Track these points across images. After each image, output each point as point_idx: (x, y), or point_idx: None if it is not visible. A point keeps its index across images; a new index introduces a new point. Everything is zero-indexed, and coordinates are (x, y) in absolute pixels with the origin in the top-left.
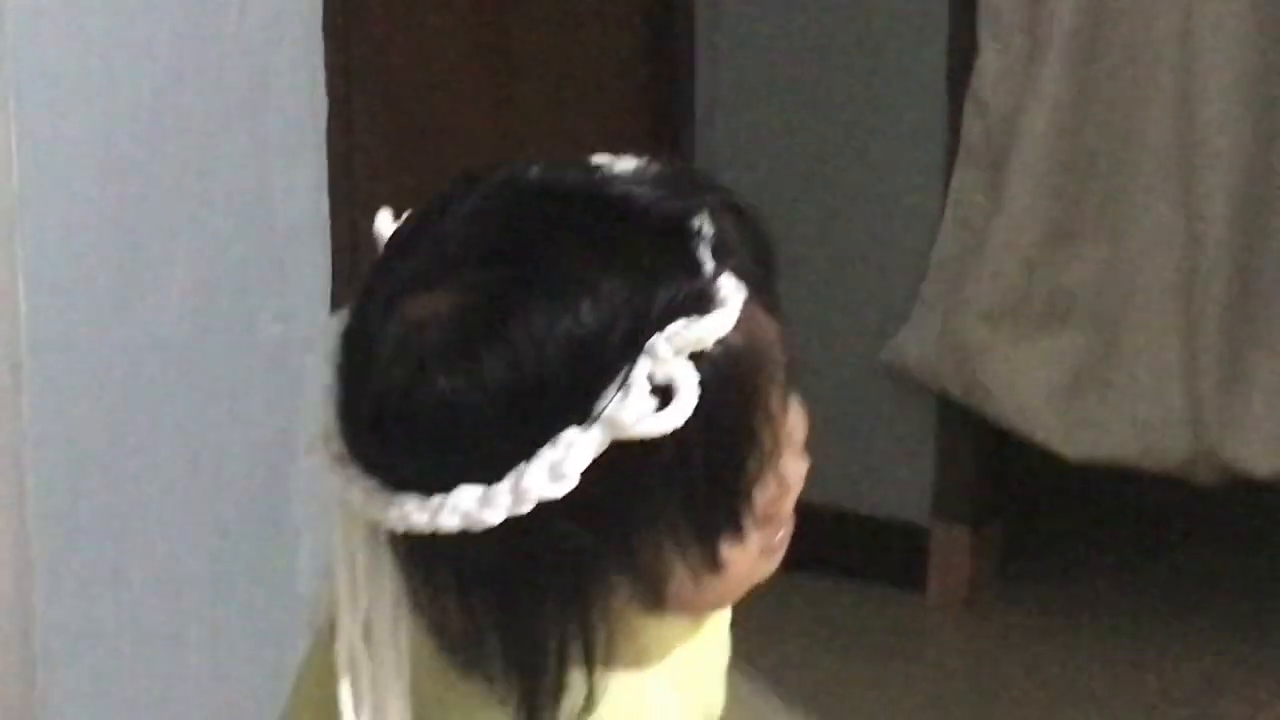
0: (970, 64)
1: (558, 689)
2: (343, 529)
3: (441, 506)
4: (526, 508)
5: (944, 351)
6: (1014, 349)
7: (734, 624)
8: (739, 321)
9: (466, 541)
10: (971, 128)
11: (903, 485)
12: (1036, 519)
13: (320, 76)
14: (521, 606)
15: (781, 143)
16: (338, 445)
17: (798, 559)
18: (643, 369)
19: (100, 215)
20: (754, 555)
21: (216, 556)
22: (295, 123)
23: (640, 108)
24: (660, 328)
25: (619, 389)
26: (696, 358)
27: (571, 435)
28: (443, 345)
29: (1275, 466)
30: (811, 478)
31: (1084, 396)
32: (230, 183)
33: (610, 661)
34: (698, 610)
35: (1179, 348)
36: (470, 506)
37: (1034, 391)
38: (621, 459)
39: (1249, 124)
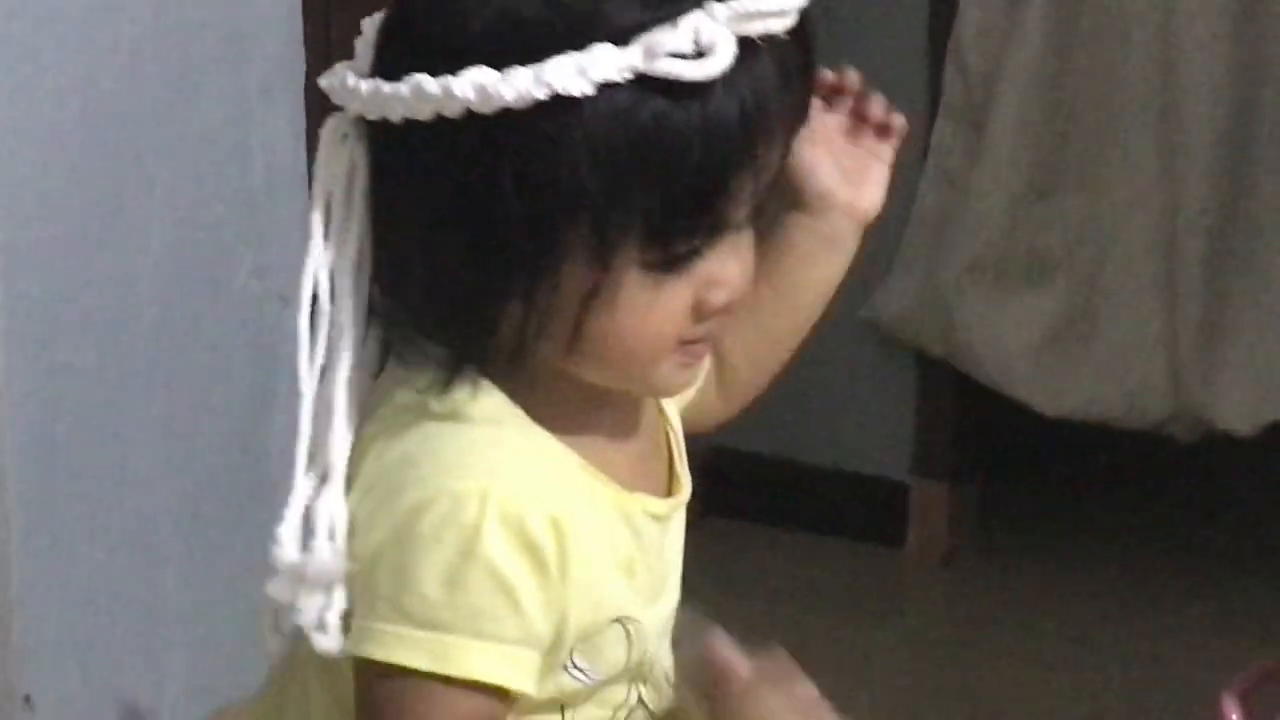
0: (950, 19)
1: (483, 350)
2: (323, 172)
3: (457, 81)
4: (541, 91)
5: (923, 307)
6: (993, 305)
7: (712, 577)
8: (770, 74)
9: (454, 161)
10: (952, 83)
11: (882, 441)
12: (1016, 476)
13: (299, 26)
14: (483, 251)
15: None
16: (366, 61)
17: (777, 514)
18: (694, 20)
19: (75, 169)
20: (663, 322)
21: (194, 511)
22: (273, 73)
23: None
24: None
25: (668, 25)
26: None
27: (605, 48)
28: None
29: (1255, 423)
30: (791, 434)
31: (1063, 353)
32: (207, 134)
33: (527, 390)
34: (603, 368)
35: (1159, 304)
36: (488, 79)
37: (1013, 348)
38: (621, 125)
39: (1229, 81)
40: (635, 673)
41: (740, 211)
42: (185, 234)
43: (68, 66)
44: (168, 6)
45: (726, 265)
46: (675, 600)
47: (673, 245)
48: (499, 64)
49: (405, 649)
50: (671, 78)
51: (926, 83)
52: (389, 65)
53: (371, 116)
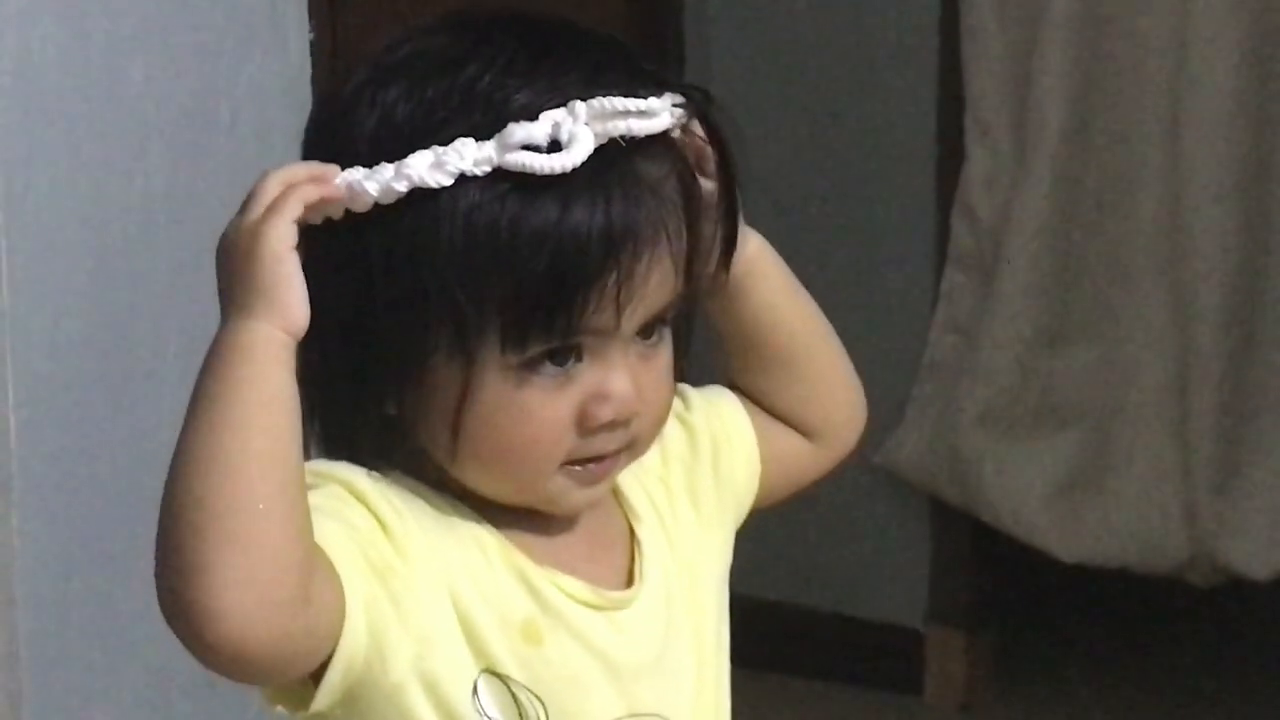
0: (958, 168)
1: (378, 450)
2: None
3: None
4: (402, 185)
5: (937, 454)
6: (1007, 451)
7: None
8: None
9: (337, 262)
10: (960, 231)
11: (897, 589)
12: (1032, 623)
13: None
14: (361, 350)
15: (775, 242)
16: None
17: (792, 662)
18: (554, 115)
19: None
20: (540, 431)
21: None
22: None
23: None
24: (587, 95)
25: (525, 119)
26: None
27: (466, 142)
28: (392, 63)
29: (1272, 567)
30: (805, 580)
31: (1078, 499)
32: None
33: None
34: (489, 477)
35: (1173, 449)
36: (356, 176)
37: (1027, 494)
38: (489, 210)
39: (1239, 226)
40: None
41: (608, 321)
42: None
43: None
44: None
45: (611, 377)
46: (647, 711)
47: (527, 347)
48: (372, 164)
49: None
50: (525, 171)
51: (934, 231)
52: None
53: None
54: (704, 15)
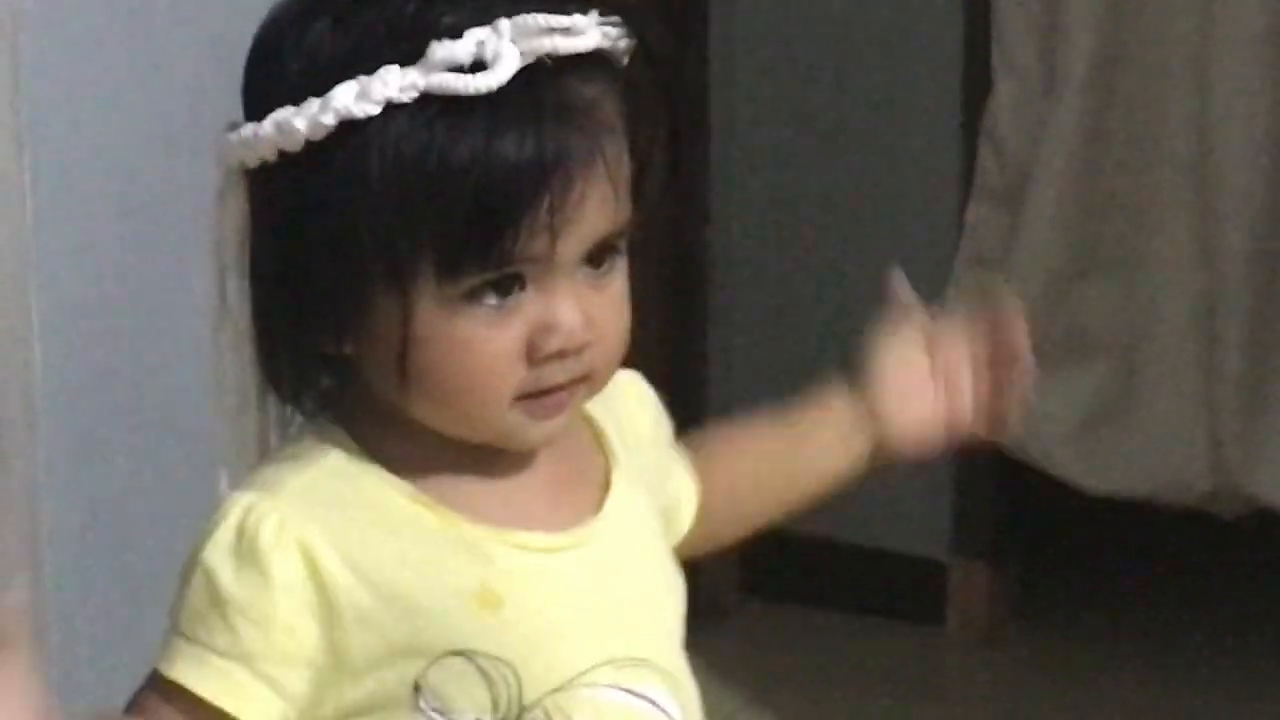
0: (984, 98)
1: (316, 394)
2: (216, 228)
3: (263, 125)
4: (329, 118)
5: None
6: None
7: (750, 659)
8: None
9: (274, 204)
10: (986, 162)
11: (920, 521)
12: (1057, 555)
13: None
14: (299, 289)
15: (793, 173)
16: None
17: (814, 594)
18: (478, 34)
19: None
20: (487, 362)
21: None
22: None
23: None
24: (511, 13)
25: (449, 38)
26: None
27: (391, 70)
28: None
29: None
30: (827, 513)
31: (1103, 430)
32: None
33: (356, 422)
34: (441, 412)
35: (1199, 380)
36: (284, 116)
37: (1053, 426)
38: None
39: (1268, 156)
40: (520, 714)
41: (542, 248)
42: None
43: None
44: None
45: (557, 307)
46: (626, 651)
47: (461, 278)
48: (299, 100)
49: (167, 651)
50: (448, 93)
51: (960, 163)
52: (247, 112)
53: (227, 164)
54: None
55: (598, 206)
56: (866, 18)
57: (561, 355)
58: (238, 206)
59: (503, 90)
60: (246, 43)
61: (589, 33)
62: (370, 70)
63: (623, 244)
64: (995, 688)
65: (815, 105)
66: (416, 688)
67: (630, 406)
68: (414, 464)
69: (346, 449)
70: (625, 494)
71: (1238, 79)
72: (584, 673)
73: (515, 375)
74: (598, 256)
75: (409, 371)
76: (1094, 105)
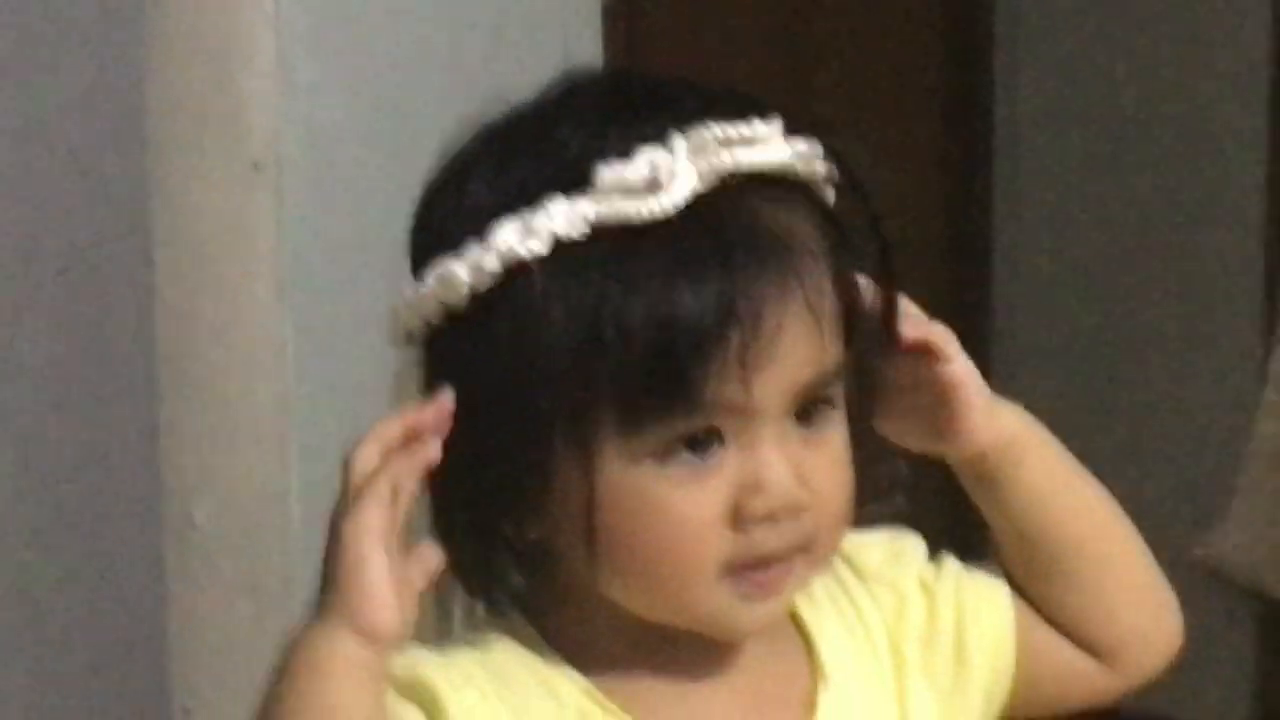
0: None
1: (492, 575)
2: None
3: (425, 281)
4: (491, 262)
5: (1266, 548)
6: None
7: None
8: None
9: (444, 366)
10: None
11: (1222, 696)
12: None
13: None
14: (475, 457)
15: (1084, 309)
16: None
17: None
18: (651, 154)
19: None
20: (687, 529)
21: None
22: None
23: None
24: (684, 127)
25: (619, 159)
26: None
27: (556, 200)
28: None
29: None
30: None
31: None
32: None
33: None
34: (635, 587)
35: None
36: (444, 264)
37: None
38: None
39: None
40: None
41: (735, 393)
42: None
43: None
44: None
45: (764, 464)
46: None
47: (646, 432)
48: (459, 248)
49: None
50: (620, 221)
51: (1261, 304)
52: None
53: (394, 336)
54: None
55: (798, 347)
56: (1163, 98)
57: (773, 518)
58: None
59: (682, 217)
60: None
61: (773, 143)
62: (534, 204)
63: (836, 395)
64: None
65: (1109, 231)
66: None
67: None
68: (598, 656)
69: (525, 638)
70: (846, 710)
71: None
72: None
73: (721, 541)
74: (807, 409)
75: (598, 542)
76: None
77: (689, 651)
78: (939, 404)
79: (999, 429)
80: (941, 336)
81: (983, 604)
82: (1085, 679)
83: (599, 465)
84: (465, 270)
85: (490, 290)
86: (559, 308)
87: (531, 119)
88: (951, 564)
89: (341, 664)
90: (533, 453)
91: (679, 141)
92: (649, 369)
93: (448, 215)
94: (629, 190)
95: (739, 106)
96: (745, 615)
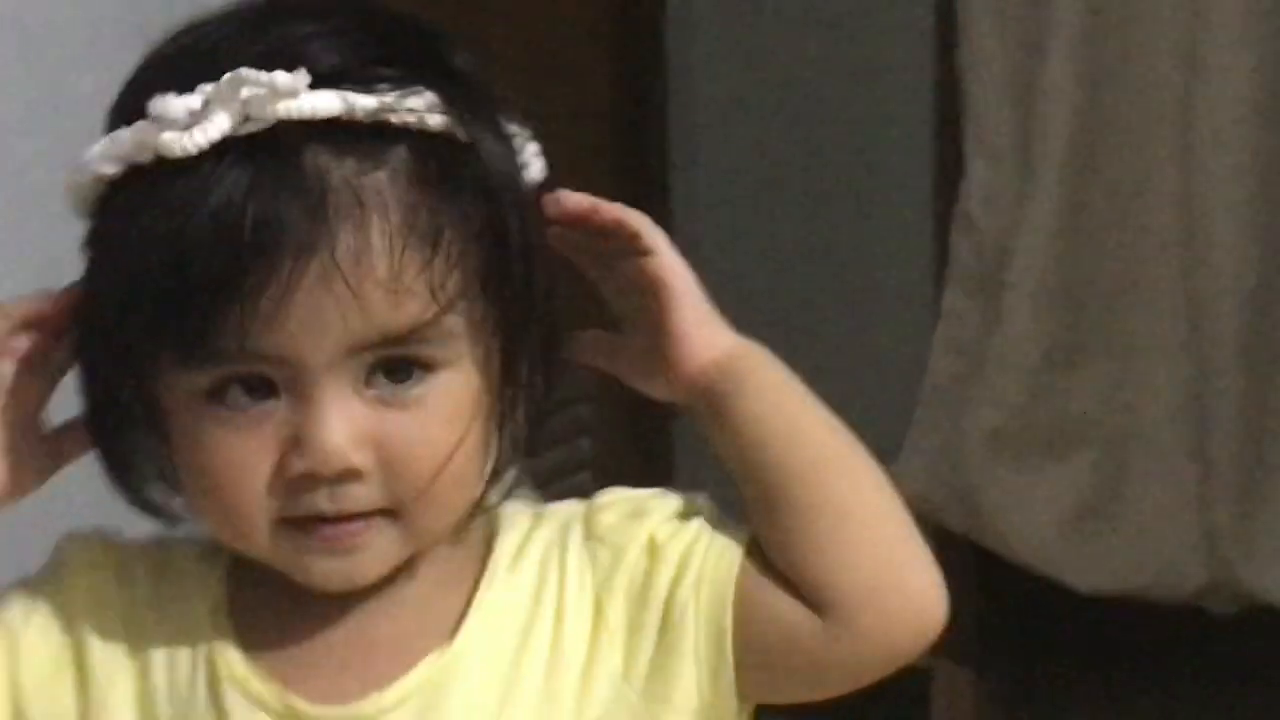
0: (957, 182)
1: (124, 463)
2: None
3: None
4: (81, 177)
5: (941, 483)
6: (1016, 478)
7: None
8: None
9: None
10: (960, 246)
11: None
12: (1044, 657)
13: None
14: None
15: (760, 258)
16: None
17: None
18: (207, 90)
19: None
20: (236, 474)
21: None
22: None
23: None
24: (249, 65)
25: (175, 93)
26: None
27: (126, 128)
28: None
29: None
30: None
31: (1091, 526)
32: None
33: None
34: (211, 524)
35: (1191, 471)
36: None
37: (1039, 522)
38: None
39: (1255, 237)
40: None
41: (252, 343)
42: None
43: None
44: None
45: (310, 421)
46: None
47: (183, 369)
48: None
49: None
50: (160, 152)
51: (933, 246)
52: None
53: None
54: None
55: (334, 304)
56: (835, 98)
57: (315, 479)
58: None
59: (224, 157)
60: None
61: (319, 97)
62: (127, 124)
63: (438, 356)
64: None
65: (783, 188)
66: None
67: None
68: (248, 582)
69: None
70: (443, 684)
71: (1224, 156)
72: None
73: (269, 494)
74: (394, 370)
75: (176, 474)
76: (1073, 186)
77: (331, 604)
78: (653, 325)
79: (716, 343)
80: (641, 222)
81: (709, 563)
82: (811, 639)
83: (159, 395)
84: (71, 178)
85: (93, 202)
86: (118, 235)
87: (189, 30)
88: (696, 523)
89: None
90: (112, 376)
91: (226, 80)
92: (162, 311)
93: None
94: (169, 124)
95: (371, 56)
96: (316, 565)
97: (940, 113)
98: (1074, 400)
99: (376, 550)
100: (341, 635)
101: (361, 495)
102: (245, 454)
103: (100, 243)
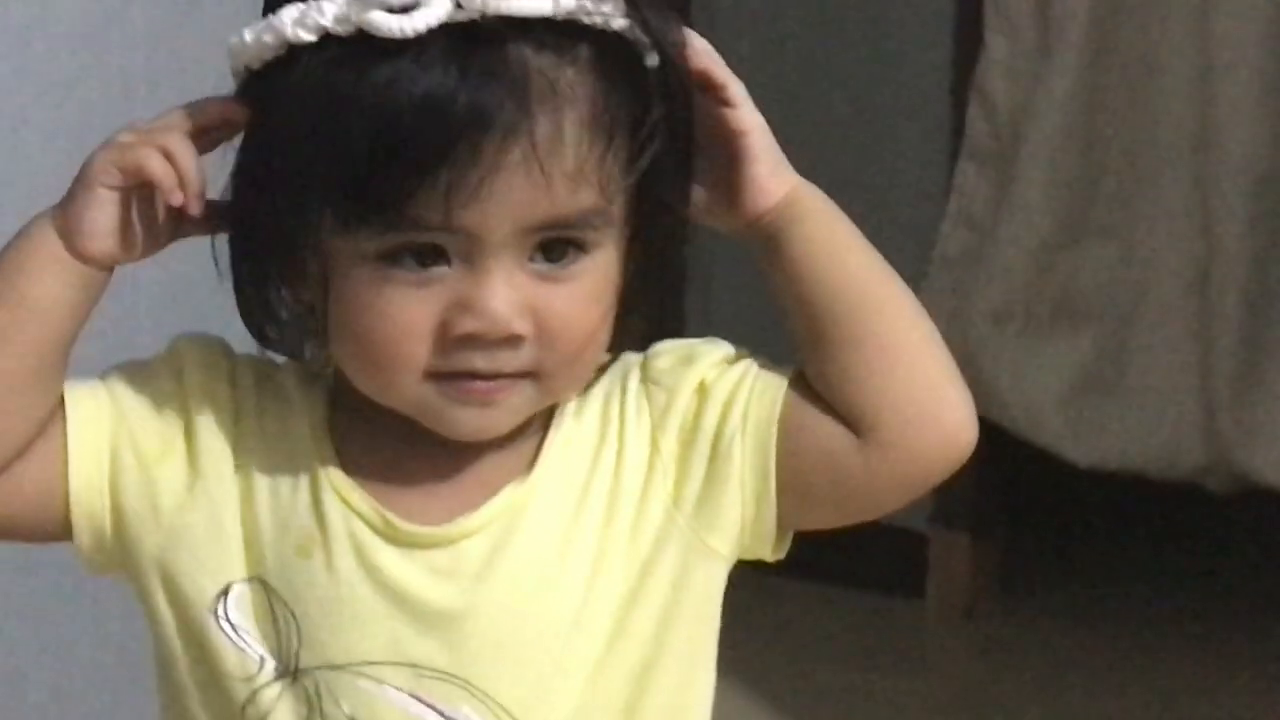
0: (975, 55)
1: (264, 313)
2: None
3: (240, 36)
4: (269, 38)
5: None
6: (1021, 350)
7: (725, 627)
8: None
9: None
10: (976, 121)
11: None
12: (1040, 527)
13: None
14: (245, 227)
15: (776, 129)
16: None
17: (792, 563)
18: None
19: None
20: (397, 331)
21: None
22: None
23: None
24: None
25: None
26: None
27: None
28: None
29: None
30: None
31: (1094, 401)
32: None
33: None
34: (358, 375)
35: (1193, 351)
36: (245, 33)
37: (1041, 395)
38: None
39: (1267, 119)
40: (294, 677)
41: (439, 217)
42: None
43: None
44: None
45: (481, 287)
46: (418, 659)
47: (363, 235)
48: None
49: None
50: (374, 31)
51: (948, 120)
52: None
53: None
54: None
55: (527, 186)
56: None
57: (476, 341)
58: None
59: (433, 42)
60: None
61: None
62: None
63: (592, 240)
64: (975, 661)
65: (800, 57)
66: (223, 594)
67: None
68: (347, 408)
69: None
70: (522, 509)
71: (1238, 38)
72: (369, 664)
73: (425, 350)
74: (553, 248)
75: (329, 327)
76: (1089, 64)
77: (426, 442)
78: (728, 162)
79: (784, 184)
80: (728, 76)
81: (754, 398)
82: (850, 462)
83: (330, 252)
84: (249, 36)
85: (269, 64)
86: (308, 91)
87: None
88: (743, 365)
89: (45, 262)
90: (286, 228)
91: None
92: (360, 178)
93: None
94: (377, 3)
95: None
96: (457, 415)
97: None
98: (1080, 276)
99: (513, 407)
100: (432, 466)
101: (513, 359)
102: (411, 313)
103: (283, 102)
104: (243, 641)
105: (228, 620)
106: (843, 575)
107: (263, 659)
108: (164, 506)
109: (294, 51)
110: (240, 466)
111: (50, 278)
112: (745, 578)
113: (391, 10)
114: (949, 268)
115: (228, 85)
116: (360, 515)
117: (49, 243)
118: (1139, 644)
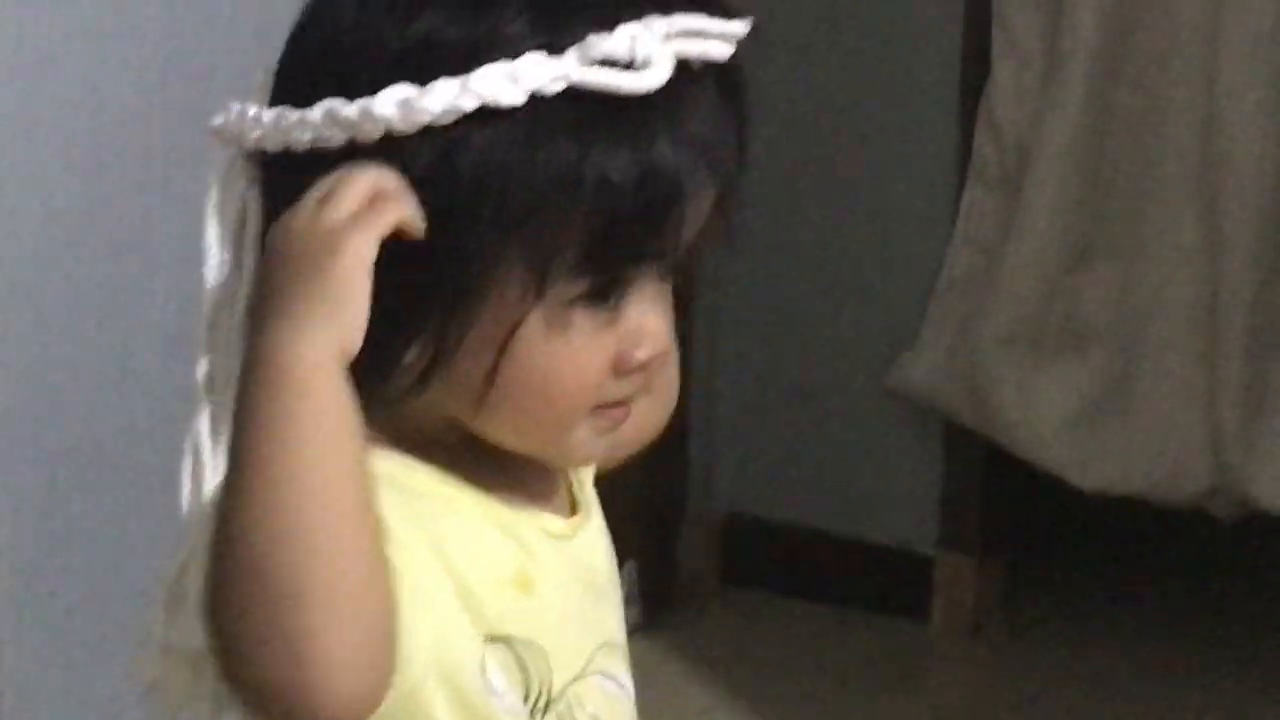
0: (982, 79)
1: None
2: (215, 217)
3: (376, 100)
4: (469, 103)
5: (953, 376)
6: (1028, 375)
7: (730, 649)
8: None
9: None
10: (983, 145)
11: (908, 513)
12: (1045, 551)
13: None
14: (394, 286)
15: (786, 152)
16: (265, 93)
17: (800, 585)
18: (631, 30)
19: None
20: (582, 371)
21: None
22: None
23: None
24: (666, 11)
25: (603, 32)
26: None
27: (537, 56)
28: None
29: None
30: (815, 503)
31: (1099, 425)
32: None
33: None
34: (515, 423)
35: (1199, 376)
36: (411, 94)
37: (1048, 419)
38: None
39: (1274, 144)
40: (548, 707)
41: (665, 249)
42: None
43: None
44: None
45: (649, 318)
46: (605, 637)
47: (601, 277)
48: (422, 81)
49: None
50: (606, 90)
51: (956, 145)
52: (293, 93)
53: (272, 148)
54: None
55: (697, 221)
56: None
57: (646, 366)
58: (244, 199)
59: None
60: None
61: (732, 40)
62: (511, 56)
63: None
64: (979, 682)
65: (808, 82)
66: (483, 667)
67: None
68: (429, 450)
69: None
70: (585, 482)
71: (1246, 62)
72: (590, 658)
73: (602, 385)
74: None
75: (499, 379)
76: (1097, 88)
77: (486, 460)
78: None
79: None
80: None
81: None
82: None
83: (535, 308)
84: (437, 104)
85: (448, 126)
86: (539, 155)
87: None
88: None
89: (332, 378)
90: (475, 287)
91: (659, 23)
92: (633, 214)
93: (382, 46)
94: (608, 62)
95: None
96: (598, 446)
97: (969, 12)
98: (1087, 301)
99: (638, 425)
100: (535, 469)
101: (642, 379)
102: (599, 353)
103: (501, 159)
104: (512, 704)
105: (495, 692)
106: (848, 597)
107: (530, 710)
108: (423, 602)
109: (480, 114)
110: (428, 542)
111: (341, 394)
112: (747, 598)
113: (620, 67)
114: (955, 291)
115: (239, 86)
116: (547, 530)
117: (327, 357)
118: (1143, 667)
